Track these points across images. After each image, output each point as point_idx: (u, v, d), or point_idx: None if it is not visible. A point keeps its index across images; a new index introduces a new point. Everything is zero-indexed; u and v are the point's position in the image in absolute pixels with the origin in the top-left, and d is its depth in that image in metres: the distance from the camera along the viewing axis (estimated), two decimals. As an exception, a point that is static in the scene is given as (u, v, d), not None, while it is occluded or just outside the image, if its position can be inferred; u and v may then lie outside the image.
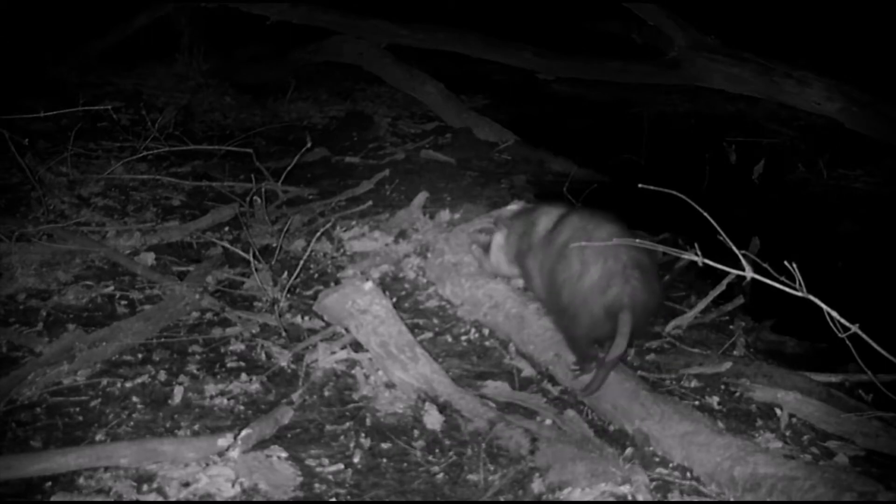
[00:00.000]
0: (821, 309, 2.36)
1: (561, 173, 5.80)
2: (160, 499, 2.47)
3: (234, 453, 2.62)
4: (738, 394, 3.20)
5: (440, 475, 2.65)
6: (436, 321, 3.68)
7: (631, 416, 2.86)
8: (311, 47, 8.03)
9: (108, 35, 8.00)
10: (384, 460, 2.72)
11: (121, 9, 7.89)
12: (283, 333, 3.47)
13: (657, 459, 2.74)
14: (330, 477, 2.62)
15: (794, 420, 3.05)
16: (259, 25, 7.86)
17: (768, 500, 2.42)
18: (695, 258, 2.47)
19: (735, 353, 3.52)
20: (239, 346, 3.38)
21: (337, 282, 3.90)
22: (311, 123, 6.96)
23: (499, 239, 3.67)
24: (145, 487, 2.51)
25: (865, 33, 7.63)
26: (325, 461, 2.69)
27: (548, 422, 2.90)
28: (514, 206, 4.15)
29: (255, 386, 3.09)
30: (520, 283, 3.65)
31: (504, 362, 3.37)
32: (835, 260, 4.84)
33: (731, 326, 3.81)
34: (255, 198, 4.60)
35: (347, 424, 2.89)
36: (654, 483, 2.60)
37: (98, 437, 2.75)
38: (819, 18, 7.91)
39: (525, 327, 3.42)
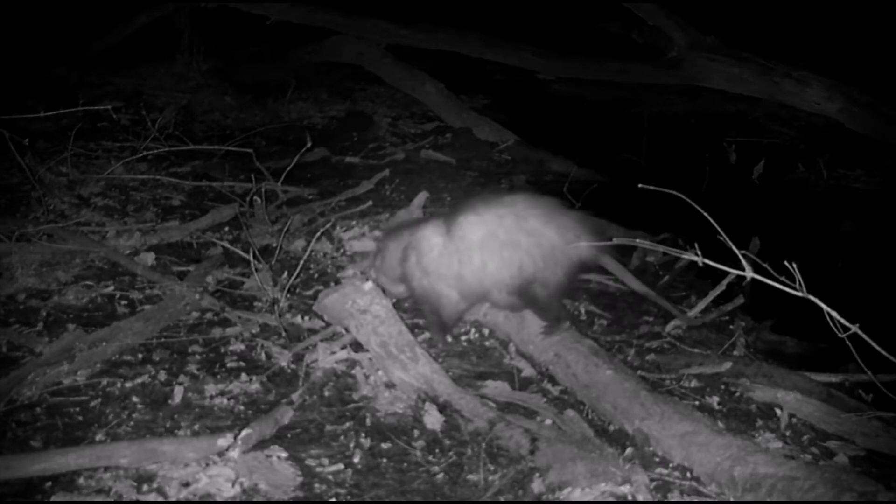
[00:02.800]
0: (821, 309, 2.36)
1: (561, 173, 5.79)
2: (160, 499, 2.46)
3: (234, 453, 2.62)
4: (738, 394, 3.20)
5: (440, 475, 2.65)
6: (436, 321, 3.67)
7: (631, 416, 2.86)
8: (311, 47, 8.03)
9: (108, 35, 8.00)
10: (384, 460, 2.72)
11: (121, 9, 7.90)
12: (283, 333, 3.47)
13: (657, 459, 2.74)
14: (330, 477, 2.62)
15: (794, 420, 3.05)
16: (259, 25, 7.86)
17: (768, 500, 2.42)
18: (695, 258, 2.47)
19: (735, 353, 3.52)
20: (239, 346, 3.38)
21: (337, 282, 3.89)
22: (311, 123, 6.95)
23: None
24: (145, 487, 2.50)
25: (865, 33, 7.63)
26: (325, 461, 2.69)
27: (548, 422, 2.90)
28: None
29: (255, 386, 3.09)
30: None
31: (504, 362, 3.37)
32: (835, 260, 4.84)
33: (731, 326, 3.81)
34: (255, 198, 4.60)
35: (347, 424, 2.89)
36: (654, 483, 2.59)
37: (98, 437, 2.75)
38: (819, 18, 7.91)
39: (525, 327, 3.42)
